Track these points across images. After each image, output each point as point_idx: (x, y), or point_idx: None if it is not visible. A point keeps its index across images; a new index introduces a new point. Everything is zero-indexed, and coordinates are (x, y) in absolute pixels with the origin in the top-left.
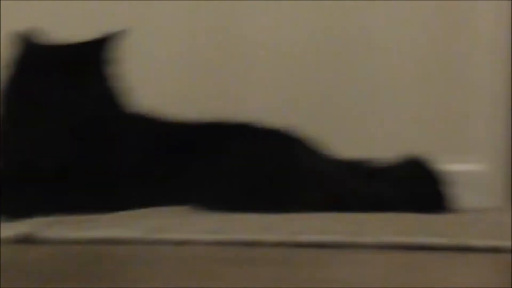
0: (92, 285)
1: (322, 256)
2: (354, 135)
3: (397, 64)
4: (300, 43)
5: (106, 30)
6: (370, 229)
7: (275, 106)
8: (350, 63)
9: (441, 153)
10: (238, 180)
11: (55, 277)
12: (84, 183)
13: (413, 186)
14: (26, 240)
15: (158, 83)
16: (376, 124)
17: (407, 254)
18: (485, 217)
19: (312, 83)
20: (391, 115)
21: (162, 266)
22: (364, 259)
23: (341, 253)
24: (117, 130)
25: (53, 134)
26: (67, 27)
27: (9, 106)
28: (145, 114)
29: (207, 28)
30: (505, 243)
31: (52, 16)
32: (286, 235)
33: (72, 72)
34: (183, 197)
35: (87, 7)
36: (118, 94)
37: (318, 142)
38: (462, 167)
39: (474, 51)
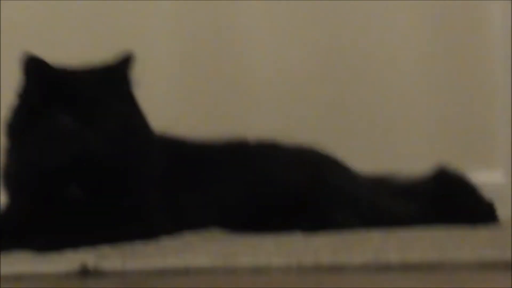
0: None
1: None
2: (369, 150)
3: (410, 74)
4: (308, 59)
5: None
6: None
7: (281, 124)
8: (362, 76)
9: (462, 165)
10: (267, 200)
11: None
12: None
13: (450, 199)
14: (89, 273)
15: (156, 103)
16: (392, 137)
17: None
18: None
19: (321, 98)
20: (408, 128)
21: None
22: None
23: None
24: (155, 155)
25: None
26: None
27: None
28: (169, 136)
29: (206, 44)
30: None
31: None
32: (369, 255)
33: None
34: (210, 219)
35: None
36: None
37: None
38: (483, 180)
39: (493, 57)
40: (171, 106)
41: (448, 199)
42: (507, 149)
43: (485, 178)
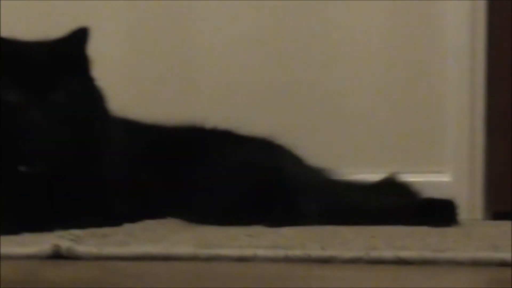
0: None
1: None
2: (316, 144)
3: (363, 72)
4: (259, 46)
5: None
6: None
7: (229, 111)
8: (312, 69)
9: (405, 164)
10: (228, 191)
11: None
12: (74, 191)
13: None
14: (62, 256)
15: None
16: (341, 133)
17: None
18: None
19: (271, 87)
20: (356, 124)
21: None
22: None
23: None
24: (107, 135)
25: (47, 138)
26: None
27: None
28: (123, 117)
29: (156, 32)
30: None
31: None
32: (361, 251)
33: (57, 70)
34: (170, 208)
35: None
36: (102, 95)
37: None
38: (427, 178)
39: (441, 59)
40: (119, 87)
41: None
42: (455, 151)
43: (432, 178)
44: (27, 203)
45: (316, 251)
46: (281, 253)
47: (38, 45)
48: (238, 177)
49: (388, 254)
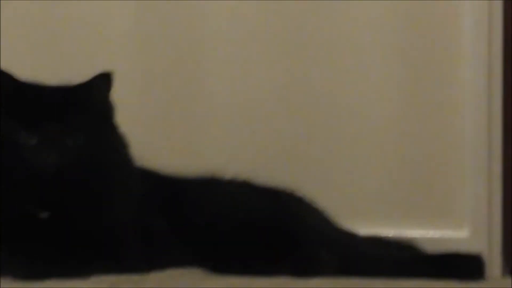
0: None
1: None
2: (328, 189)
3: (369, 119)
4: (273, 91)
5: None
6: None
7: (244, 156)
8: (328, 110)
9: (420, 219)
10: (248, 241)
11: None
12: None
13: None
14: None
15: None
16: (351, 185)
17: None
18: None
19: (285, 132)
20: (368, 176)
21: None
22: None
23: None
24: (127, 183)
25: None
26: None
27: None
28: (141, 166)
29: (167, 76)
30: None
31: None
32: None
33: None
34: (187, 258)
35: None
36: (124, 142)
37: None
38: (443, 234)
39: (458, 112)
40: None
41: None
42: (472, 206)
43: (449, 234)
44: (39, 248)
45: None
46: None
47: (59, 90)
48: (258, 227)
49: None
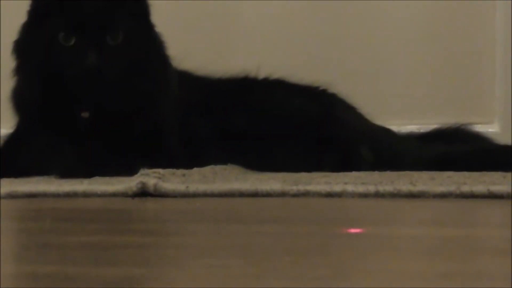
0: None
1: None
2: (363, 95)
3: (407, 18)
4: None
5: None
6: None
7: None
8: (363, 14)
9: (451, 115)
10: (286, 137)
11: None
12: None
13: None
14: (148, 193)
15: None
16: (385, 84)
17: None
18: None
19: (319, 38)
20: (402, 74)
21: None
22: None
23: None
24: (167, 82)
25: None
26: None
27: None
28: (177, 67)
29: None
30: None
31: None
32: (451, 185)
33: (115, 14)
34: (226, 156)
35: None
36: (162, 42)
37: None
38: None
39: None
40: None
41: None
42: (503, 100)
43: (479, 129)
44: (85, 148)
45: (406, 186)
46: (371, 188)
47: None
48: (295, 124)
49: (479, 188)
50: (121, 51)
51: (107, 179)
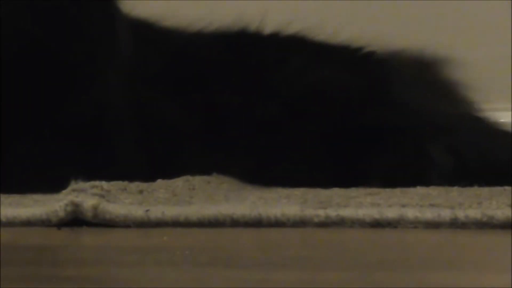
0: None
1: None
2: None
3: None
4: None
5: None
6: None
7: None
8: None
9: None
10: (303, 132)
11: None
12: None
13: None
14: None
15: None
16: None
17: None
18: None
19: None
20: None
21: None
22: None
23: None
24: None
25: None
26: None
27: None
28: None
29: None
30: None
31: None
32: None
33: None
34: (213, 158)
35: None
36: None
37: None
38: None
39: None
40: None
41: None
42: None
43: None
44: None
45: (502, 212)
46: (445, 214)
47: None
48: (322, 108)
49: None
50: None
51: (17, 197)
